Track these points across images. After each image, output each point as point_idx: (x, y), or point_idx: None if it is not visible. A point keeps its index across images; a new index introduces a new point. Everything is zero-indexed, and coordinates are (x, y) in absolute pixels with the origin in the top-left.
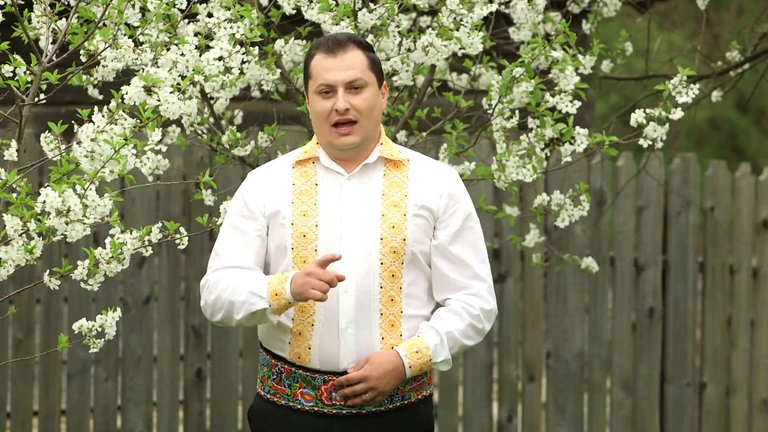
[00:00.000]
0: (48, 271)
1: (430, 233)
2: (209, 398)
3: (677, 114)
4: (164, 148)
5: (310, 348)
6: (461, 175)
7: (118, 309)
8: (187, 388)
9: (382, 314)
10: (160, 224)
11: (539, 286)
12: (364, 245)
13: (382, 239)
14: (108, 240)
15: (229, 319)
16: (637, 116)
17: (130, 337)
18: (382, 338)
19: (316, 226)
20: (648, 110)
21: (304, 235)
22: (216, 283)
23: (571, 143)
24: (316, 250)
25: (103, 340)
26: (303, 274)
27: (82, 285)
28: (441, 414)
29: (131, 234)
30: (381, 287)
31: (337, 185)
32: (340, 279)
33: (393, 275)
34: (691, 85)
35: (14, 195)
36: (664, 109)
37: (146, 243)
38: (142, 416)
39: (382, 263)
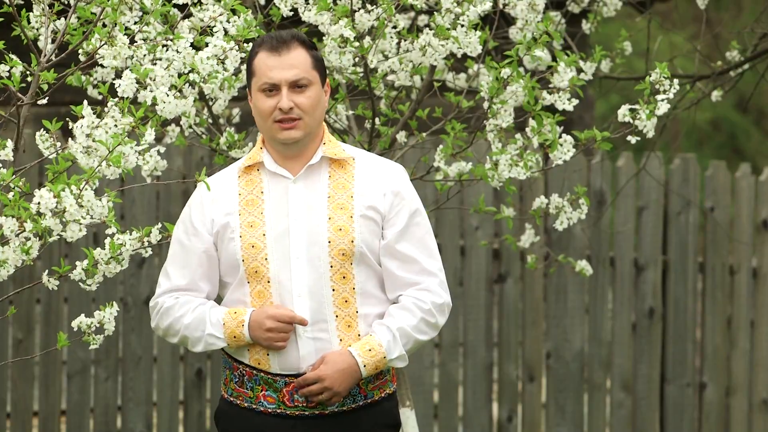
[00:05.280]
0: (47, 271)
1: (379, 233)
2: (209, 398)
3: (662, 109)
4: (163, 149)
5: (268, 354)
6: (458, 175)
7: (115, 304)
8: (187, 388)
9: (337, 316)
10: (159, 225)
11: (539, 287)
12: (313, 249)
13: (330, 242)
14: (107, 240)
15: (185, 345)
16: (623, 111)
17: (130, 337)
18: (340, 339)
19: (264, 235)
20: (632, 107)
21: (253, 246)
22: (166, 311)
23: (561, 148)
24: (266, 259)
25: (102, 336)
26: (261, 327)
27: (81, 285)
28: (441, 414)
29: (130, 235)
30: (333, 290)
31: (282, 190)
32: (303, 324)
33: (344, 276)
34: (674, 81)
35: (9, 195)
36: (648, 104)
37: (146, 244)
38: (142, 416)
39: (331, 266)
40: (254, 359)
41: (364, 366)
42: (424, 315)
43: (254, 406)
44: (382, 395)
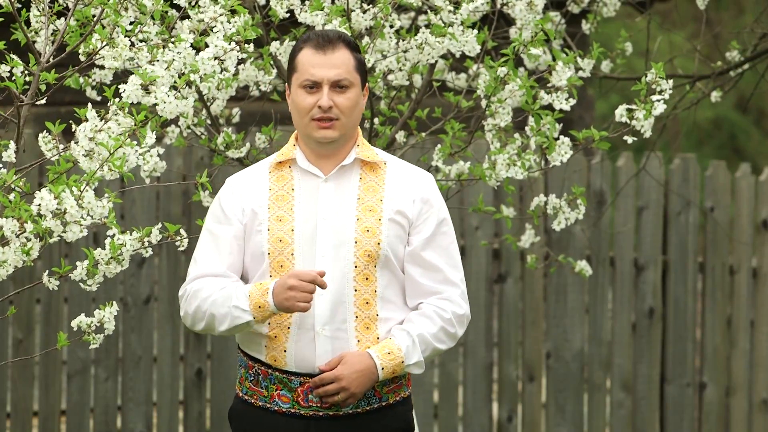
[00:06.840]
0: (47, 271)
1: (405, 239)
2: (209, 398)
3: (659, 109)
4: (162, 150)
5: (285, 351)
6: (457, 176)
7: (115, 304)
8: (187, 388)
9: (357, 317)
10: (159, 225)
11: (539, 287)
12: (339, 249)
13: (356, 243)
14: (108, 241)
15: (211, 329)
16: (621, 111)
17: (130, 337)
18: (358, 341)
19: (292, 230)
20: (630, 107)
21: (280, 240)
22: (194, 294)
23: (558, 149)
24: (292, 254)
25: (102, 335)
26: (284, 287)
27: (82, 285)
28: (441, 414)
29: (130, 235)
30: (355, 290)
31: (313, 188)
32: (322, 275)
33: (367, 278)
34: (669, 80)
35: (11, 197)
36: (645, 104)
37: (146, 244)
38: (142, 416)
39: (356, 266)
40: (270, 356)
41: (382, 369)
42: (444, 324)
43: (268, 405)
44: (397, 398)
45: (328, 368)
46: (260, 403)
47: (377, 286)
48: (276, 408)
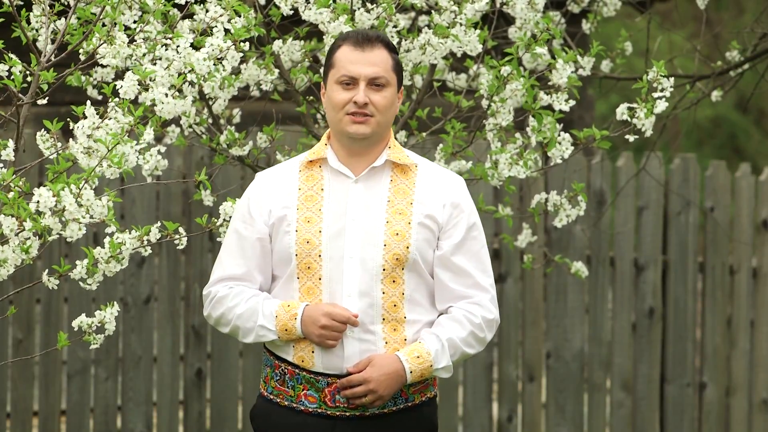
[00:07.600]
0: (47, 270)
1: (434, 243)
2: (209, 398)
3: (660, 107)
4: (163, 149)
5: (313, 352)
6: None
7: (116, 304)
8: (187, 388)
9: (384, 319)
10: (159, 224)
11: (539, 286)
12: (367, 251)
13: (385, 245)
14: (107, 239)
15: (236, 336)
16: (622, 110)
17: (130, 337)
18: (386, 342)
19: (320, 232)
20: (631, 105)
21: (308, 242)
22: (220, 300)
23: (559, 146)
24: (320, 256)
25: (103, 335)
26: (316, 324)
27: (81, 284)
28: (441, 414)
29: (130, 234)
30: (383, 292)
31: (343, 189)
32: (356, 317)
33: (394, 280)
34: (669, 79)
35: (9, 195)
36: (646, 103)
37: (145, 243)
38: (142, 416)
39: (384, 269)
40: (298, 356)
41: (411, 372)
42: (473, 329)
43: (294, 405)
44: (423, 399)
45: (357, 370)
46: (286, 403)
47: (405, 289)
48: (302, 408)
